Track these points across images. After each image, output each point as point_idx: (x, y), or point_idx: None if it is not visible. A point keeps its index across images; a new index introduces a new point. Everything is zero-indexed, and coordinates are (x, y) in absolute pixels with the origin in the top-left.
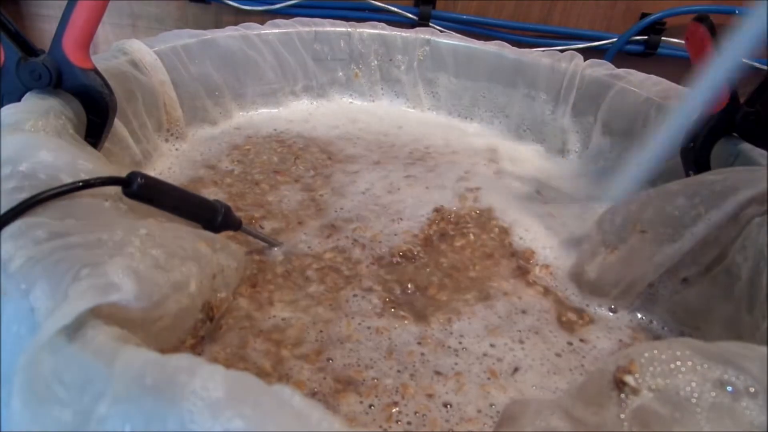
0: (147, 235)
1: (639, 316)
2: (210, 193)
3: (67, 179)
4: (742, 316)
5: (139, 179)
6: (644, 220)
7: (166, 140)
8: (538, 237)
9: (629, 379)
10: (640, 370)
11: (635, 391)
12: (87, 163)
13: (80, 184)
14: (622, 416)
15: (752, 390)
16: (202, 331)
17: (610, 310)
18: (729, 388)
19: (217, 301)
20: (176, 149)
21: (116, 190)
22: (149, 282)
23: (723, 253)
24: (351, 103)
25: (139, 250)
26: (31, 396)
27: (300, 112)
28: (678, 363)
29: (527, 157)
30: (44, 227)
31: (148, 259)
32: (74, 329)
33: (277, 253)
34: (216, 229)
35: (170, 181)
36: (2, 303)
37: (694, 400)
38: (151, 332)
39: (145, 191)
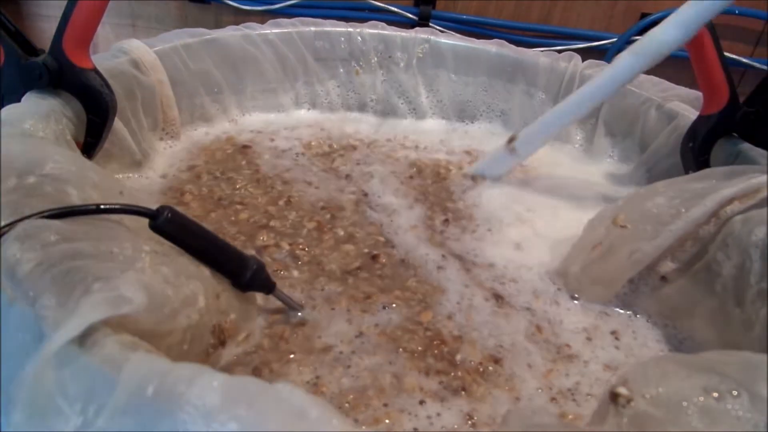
0: (154, 252)
1: (622, 311)
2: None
3: (73, 192)
4: (730, 310)
5: (167, 214)
6: (625, 214)
7: (161, 139)
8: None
9: (622, 390)
10: (632, 383)
11: (629, 400)
12: (94, 176)
13: (104, 207)
14: (621, 423)
15: (735, 393)
16: (215, 357)
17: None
18: (714, 394)
19: (228, 324)
20: (170, 147)
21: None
22: (160, 296)
23: (702, 250)
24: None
25: (149, 265)
26: (34, 410)
27: (303, 113)
28: (666, 375)
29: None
30: (51, 229)
31: (158, 276)
32: (83, 338)
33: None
34: (243, 286)
35: (168, 182)
36: (8, 309)
37: (684, 404)
38: (160, 349)
39: (171, 228)
